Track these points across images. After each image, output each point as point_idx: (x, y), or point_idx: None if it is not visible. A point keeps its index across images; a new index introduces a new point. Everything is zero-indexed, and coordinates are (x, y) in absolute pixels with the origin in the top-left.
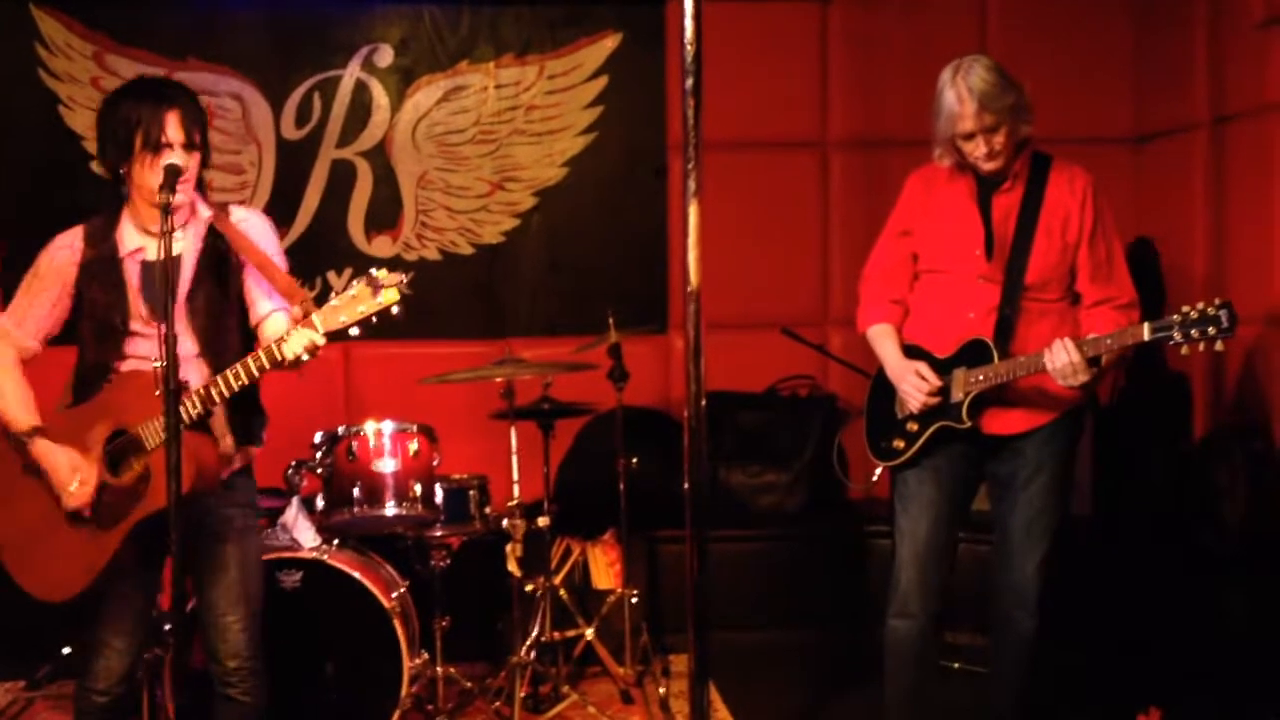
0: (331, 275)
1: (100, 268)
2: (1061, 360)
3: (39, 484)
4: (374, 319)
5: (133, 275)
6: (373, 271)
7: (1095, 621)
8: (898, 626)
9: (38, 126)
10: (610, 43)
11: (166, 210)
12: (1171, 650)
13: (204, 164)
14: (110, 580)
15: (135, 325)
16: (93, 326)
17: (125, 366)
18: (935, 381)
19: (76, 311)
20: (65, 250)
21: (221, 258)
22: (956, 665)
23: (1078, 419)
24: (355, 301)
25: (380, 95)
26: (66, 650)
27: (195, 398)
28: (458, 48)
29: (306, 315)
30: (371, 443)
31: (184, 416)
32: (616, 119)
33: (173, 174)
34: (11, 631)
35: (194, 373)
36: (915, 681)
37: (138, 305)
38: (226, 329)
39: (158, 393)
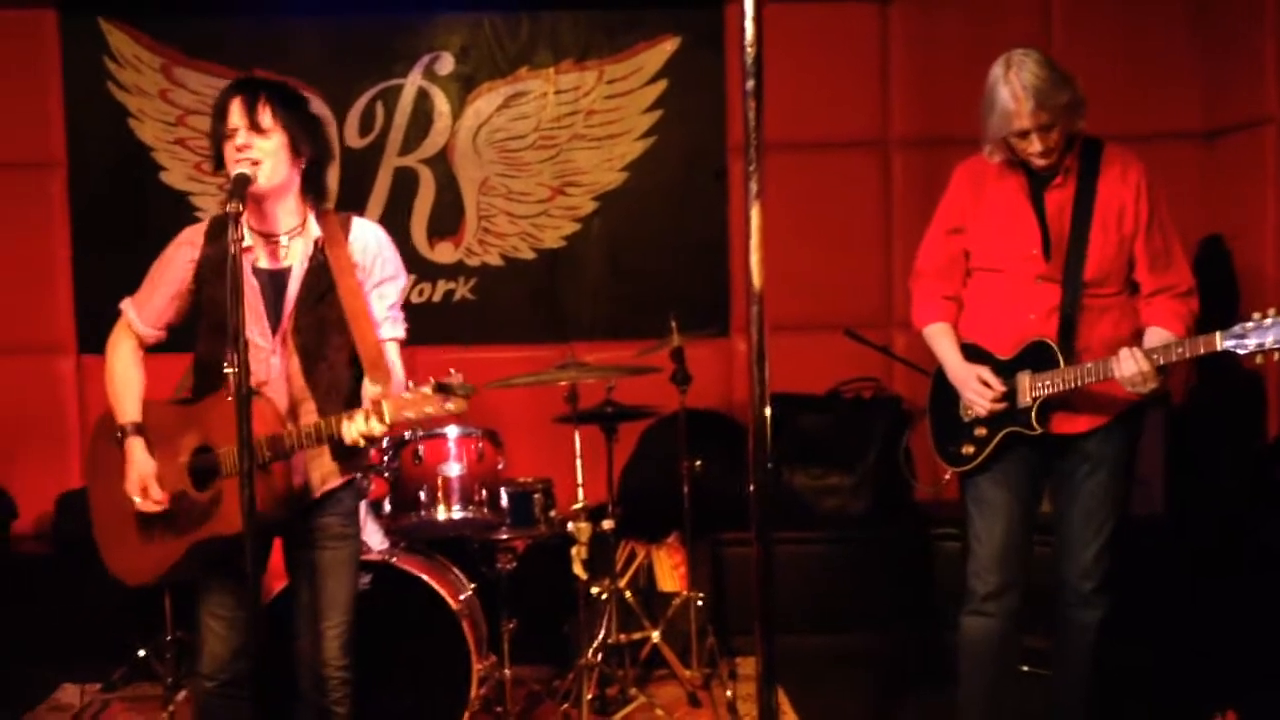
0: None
1: (215, 266)
2: (1130, 370)
3: None
4: (435, 423)
5: (247, 277)
6: (450, 378)
7: (1166, 621)
8: (972, 623)
9: (108, 139)
10: (669, 46)
11: (236, 220)
12: (1243, 650)
13: (316, 160)
14: (187, 577)
15: (246, 330)
16: (208, 325)
17: (230, 374)
18: (999, 388)
19: (196, 308)
20: (186, 246)
21: (331, 281)
22: (1026, 668)
23: (1139, 415)
24: (424, 402)
25: (441, 103)
26: (142, 653)
27: (261, 445)
28: (517, 54)
29: (378, 401)
30: (438, 447)
31: (259, 456)
32: (676, 122)
33: (240, 183)
34: (88, 635)
35: (297, 395)
36: (992, 680)
37: (249, 309)
38: (333, 348)
39: (229, 398)
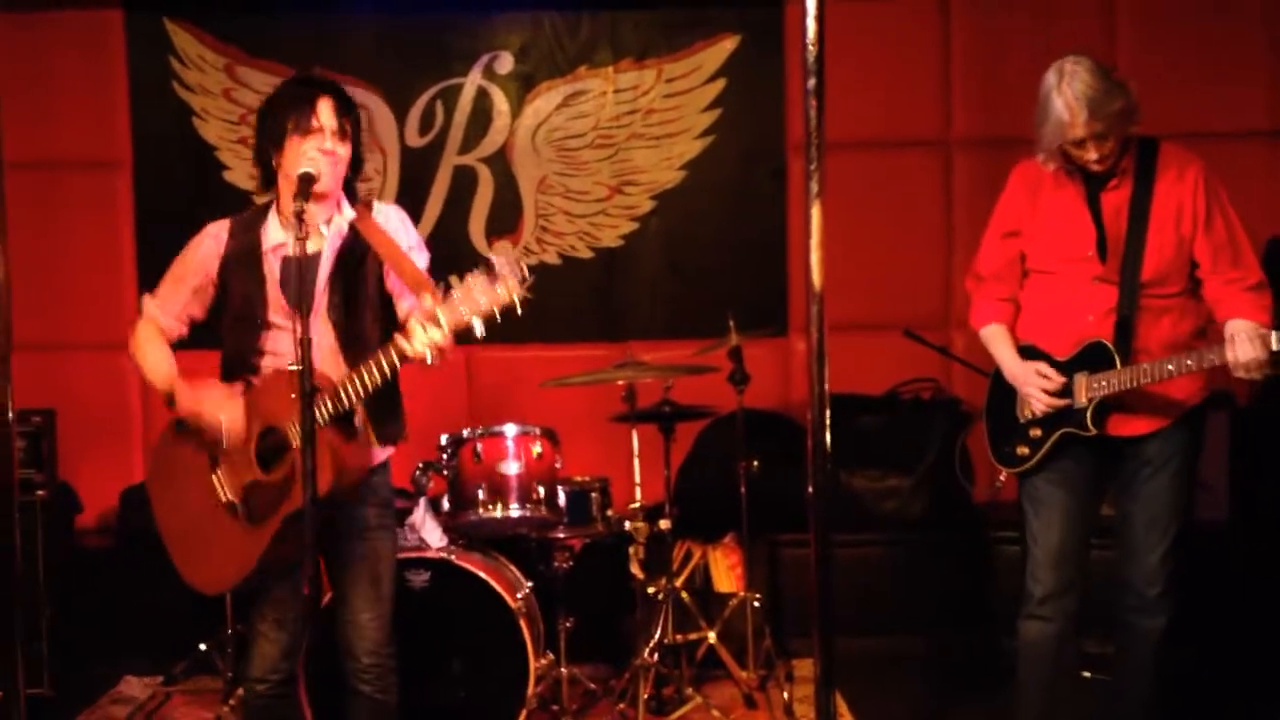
0: (454, 280)
1: (242, 261)
2: (1247, 354)
3: (201, 478)
4: (496, 313)
5: (273, 269)
6: (492, 259)
7: (1232, 627)
8: (1030, 627)
9: (173, 138)
10: (729, 45)
11: (299, 218)
12: None
13: (356, 166)
14: (264, 574)
15: (274, 318)
16: (233, 318)
17: (264, 361)
18: (1058, 379)
19: (220, 303)
20: (211, 240)
21: (361, 255)
22: (1088, 674)
23: (1201, 418)
24: (473, 293)
25: (501, 102)
26: (202, 647)
27: (328, 396)
28: (577, 53)
29: (432, 310)
30: (496, 445)
31: (321, 416)
32: (735, 121)
33: (306, 181)
34: (150, 629)
35: (333, 369)
36: (1050, 684)
37: (277, 299)
38: (365, 325)
39: (294, 395)
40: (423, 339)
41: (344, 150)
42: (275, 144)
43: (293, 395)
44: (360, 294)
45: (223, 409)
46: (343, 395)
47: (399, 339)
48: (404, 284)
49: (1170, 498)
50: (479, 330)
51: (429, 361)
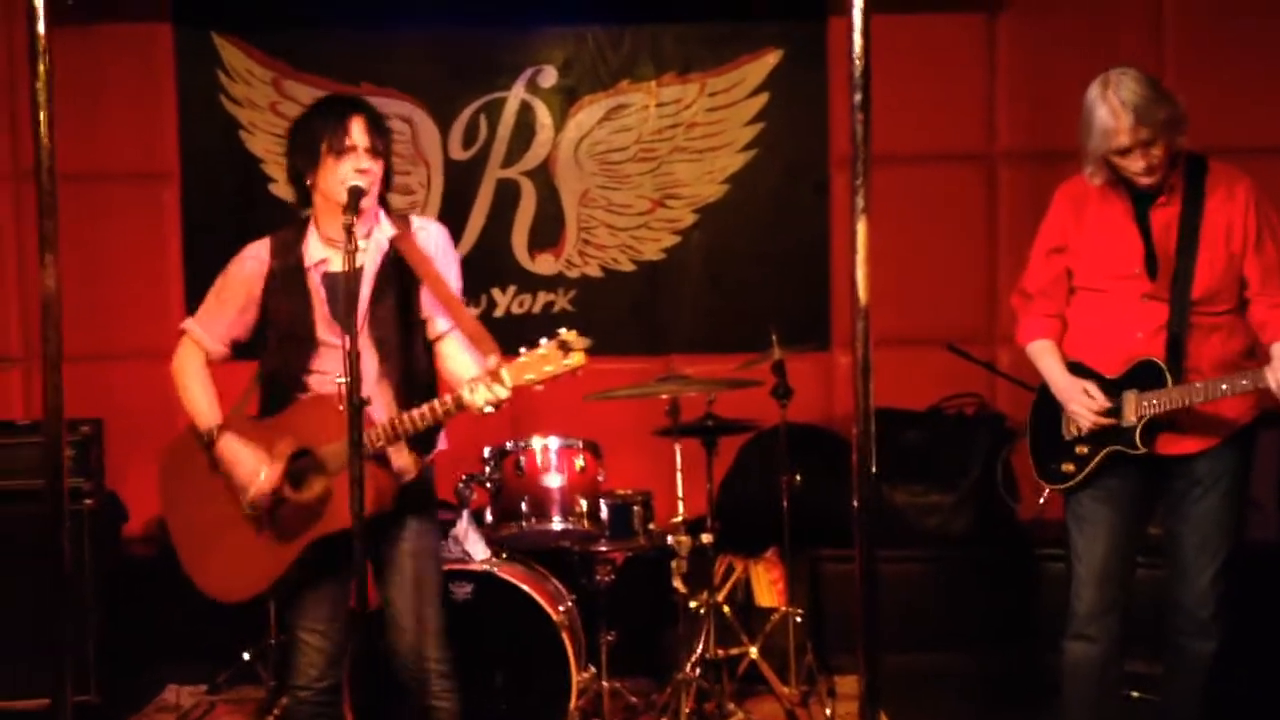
0: (496, 292)
1: (286, 279)
2: None
3: (220, 487)
4: (557, 378)
5: (317, 287)
6: (561, 333)
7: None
8: (1074, 648)
9: (220, 151)
10: (771, 59)
11: (350, 231)
12: None
13: (388, 182)
14: (296, 582)
15: (321, 336)
16: (278, 337)
17: (311, 379)
18: (1104, 401)
19: (263, 321)
20: (253, 261)
21: (403, 271)
22: (1136, 694)
23: (1251, 437)
24: (543, 361)
25: (544, 115)
26: (246, 656)
27: (379, 431)
28: (620, 67)
29: (496, 369)
30: (539, 458)
31: (367, 445)
32: (777, 135)
33: (355, 195)
34: (193, 638)
35: (376, 387)
36: (1094, 705)
37: (323, 316)
38: (409, 342)
39: (341, 408)
40: (486, 396)
41: (378, 167)
42: (310, 164)
43: (333, 421)
44: (404, 311)
45: (259, 474)
46: (395, 432)
47: (462, 393)
48: (465, 335)
49: (1221, 518)
50: (539, 388)
51: (484, 412)
